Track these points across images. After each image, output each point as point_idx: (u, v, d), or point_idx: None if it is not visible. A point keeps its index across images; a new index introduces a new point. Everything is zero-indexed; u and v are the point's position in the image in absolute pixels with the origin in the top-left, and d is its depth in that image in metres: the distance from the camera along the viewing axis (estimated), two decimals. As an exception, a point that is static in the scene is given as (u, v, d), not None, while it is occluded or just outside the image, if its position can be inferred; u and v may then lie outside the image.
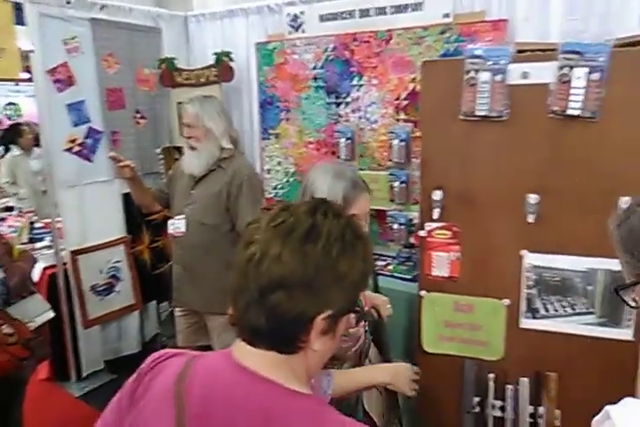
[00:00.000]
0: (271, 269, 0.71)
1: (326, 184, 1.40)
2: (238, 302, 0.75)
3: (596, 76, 1.45)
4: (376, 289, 2.19)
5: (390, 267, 2.69)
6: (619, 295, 0.83)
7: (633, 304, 0.82)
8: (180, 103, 3.31)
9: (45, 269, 3.08)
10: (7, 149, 5.11)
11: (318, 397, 0.79)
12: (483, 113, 1.58)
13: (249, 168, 2.40)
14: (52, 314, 2.07)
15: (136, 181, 2.49)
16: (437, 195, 1.69)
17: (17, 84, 6.59)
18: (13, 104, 7.18)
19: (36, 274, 2.98)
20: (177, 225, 2.38)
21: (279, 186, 3.28)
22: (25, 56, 2.72)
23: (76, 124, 2.96)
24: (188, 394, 0.74)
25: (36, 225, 3.63)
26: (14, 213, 3.97)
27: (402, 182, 2.56)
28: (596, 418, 0.76)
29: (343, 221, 0.77)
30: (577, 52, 1.46)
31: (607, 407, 0.74)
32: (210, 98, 2.41)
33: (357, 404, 1.46)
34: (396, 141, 2.54)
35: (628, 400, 0.75)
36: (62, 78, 2.86)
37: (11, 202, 4.52)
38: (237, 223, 2.28)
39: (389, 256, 2.78)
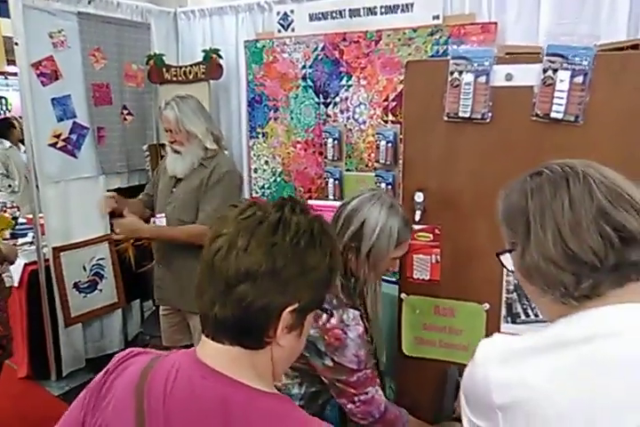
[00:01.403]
0: (238, 261, 0.71)
1: (381, 219, 1.36)
2: (204, 295, 0.74)
3: (579, 79, 1.44)
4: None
5: (375, 269, 2.67)
6: (499, 260, 0.88)
7: (510, 268, 0.86)
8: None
9: (27, 265, 3.05)
10: (-3, 143, 5.06)
11: (282, 395, 0.78)
12: (466, 115, 1.56)
13: (229, 165, 2.37)
14: None
15: (122, 206, 2.45)
16: (419, 196, 1.67)
17: (6, 78, 6.54)
18: (2, 98, 7.12)
19: (18, 270, 2.96)
20: (157, 224, 2.37)
21: (266, 185, 3.26)
22: (12, 50, 2.68)
23: (60, 119, 2.93)
24: (148, 391, 0.75)
25: (20, 221, 3.59)
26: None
27: (388, 184, 2.54)
28: None
29: (310, 216, 0.77)
30: (561, 55, 1.45)
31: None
32: (186, 98, 2.34)
33: None
34: (382, 143, 2.52)
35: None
36: (47, 72, 2.83)
37: (2, 196, 4.48)
38: (197, 214, 2.25)
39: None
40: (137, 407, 0.74)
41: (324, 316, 0.89)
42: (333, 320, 1.27)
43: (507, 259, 0.87)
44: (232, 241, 0.72)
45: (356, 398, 1.35)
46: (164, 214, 2.35)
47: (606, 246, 0.72)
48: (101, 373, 0.84)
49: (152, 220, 2.41)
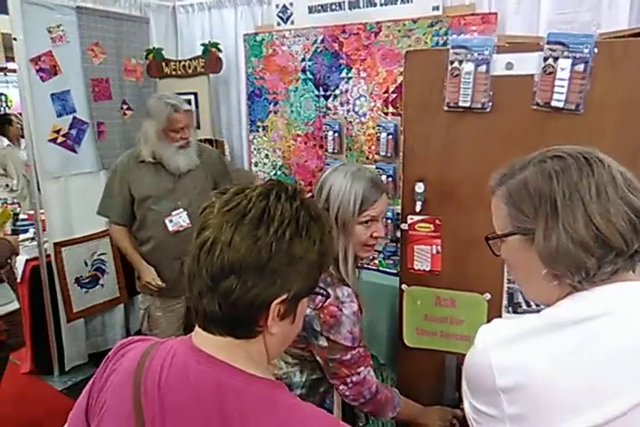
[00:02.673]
0: (222, 256, 0.70)
1: (344, 184, 1.34)
2: (193, 288, 0.74)
3: (580, 67, 1.43)
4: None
5: (376, 261, 2.67)
6: (488, 244, 0.88)
7: (498, 253, 0.87)
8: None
9: (29, 261, 3.05)
10: (-5, 141, 5.05)
11: (275, 381, 0.78)
12: (466, 104, 1.55)
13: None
14: (16, 305, 2.04)
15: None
16: (419, 187, 1.67)
17: (6, 75, 6.53)
18: (2, 95, 7.11)
19: (19, 266, 2.96)
20: (177, 220, 2.40)
21: (266, 179, 3.25)
22: (10, 47, 2.68)
23: (60, 115, 2.92)
24: (145, 376, 0.75)
25: (21, 217, 3.59)
26: (-1, 204, 3.91)
27: (389, 176, 2.54)
28: None
29: (297, 203, 0.75)
30: (561, 43, 1.44)
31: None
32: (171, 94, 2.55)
33: None
34: (383, 135, 2.51)
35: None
36: (46, 67, 2.82)
37: (1, 193, 4.47)
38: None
39: (375, 250, 2.76)
40: (134, 392, 0.75)
41: (319, 297, 0.87)
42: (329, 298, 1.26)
43: (498, 243, 0.86)
44: (216, 235, 0.71)
45: (348, 380, 1.35)
46: (181, 210, 2.40)
47: (632, 232, 0.73)
48: (103, 360, 0.85)
49: (166, 220, 2.41)
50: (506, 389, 0.73)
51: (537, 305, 1.62)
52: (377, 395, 1.39)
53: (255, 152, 3.29)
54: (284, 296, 0.72)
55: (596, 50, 1.42)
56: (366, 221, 1.37)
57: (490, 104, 1.55)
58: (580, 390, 0.69)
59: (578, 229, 0.74)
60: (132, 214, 2.50)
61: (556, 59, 1.45)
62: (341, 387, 1.37)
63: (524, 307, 1.63)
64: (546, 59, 1.47)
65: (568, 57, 1.44)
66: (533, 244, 0.78)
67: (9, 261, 2.08)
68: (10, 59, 2.74)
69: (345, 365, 1.34)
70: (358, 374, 1.35)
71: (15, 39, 2.69)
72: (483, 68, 1.53)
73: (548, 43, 1.46)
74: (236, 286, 0.70)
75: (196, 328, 0.78)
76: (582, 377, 0.69)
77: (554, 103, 1.48)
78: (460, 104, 1.57)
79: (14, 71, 2.85)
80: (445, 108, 1.60)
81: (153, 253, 2.49)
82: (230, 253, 0.70)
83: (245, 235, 0.70)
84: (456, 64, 1.56)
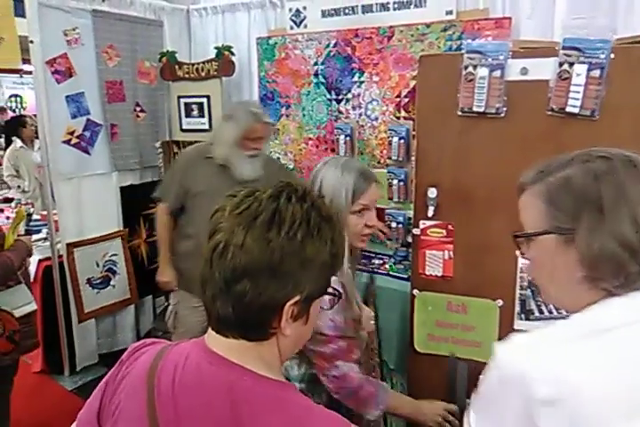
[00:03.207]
0: (235, 259, 0.70)
1: (335, 176, 1.39)
2: (206, 291, 0.74)
3: (596, 73, 1.42)
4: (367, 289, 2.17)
5: (387, 266, 2.66)
6: (516, 242, 0.84)
7: (523, 253, 0.84)
8: (180, 97, 3.31)
9: (41, 261, 3.08)
10: (9, 142, 5.11)
11: (287, 382, 0.78)
12: (480, 109, 1.55)
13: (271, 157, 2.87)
14: (34, 307, 2.05)
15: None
16: (432, 192, 1.66)
17: (21, 77, 6.61)
18: (17, 96, 7.20)
19: (32, 266, 2.99)
20: None
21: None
22: (26, 49, 2.71)
23: (74, 117, 2.95)
24: (159, 377, 0.76)
25: (34, 217, 3.63)
26: (13, 204, 3.96)
27: (400, 181, 2.53)
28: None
29: (307, 204, 0.75)
30: (577, 49, 1.43)
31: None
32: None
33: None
34: (395, 139, 2.50)
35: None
36: (62, 70, 2.85)
37: (14, 194, 4.52)
38: None
39: (386, 255, 2.75)
40: (148, 394, 0.75)
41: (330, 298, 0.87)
42: None
43: (524, 242, 0.82)
44: (228, 238, 0.71)
45: (328, 373, 1.34)
46: None
47: None
48: (117, 364, 0.85)
49: None
50: (546, 401, 0.68)
51: (550, 312, 1.60)
52: (359, 392, 1.37)
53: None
54: (297, 298, 0.72)
55: (612, 55, 1.41)
56: (359, 211, 1.40)
57: (504, 109, 1.54)
58: (624, 398, 0.67)
59: (624, 233, 0.72)
60: (181, 206, 2.51)
61: (571, 64, 1.45)
62: (322, 378, 1.36)
63: (537, 314, 1.62)
64: (561, 64, 1.46)
65: (584, 62, 1.43)
66: (570, 245, 0.75)
67: (24, 262, 2.10)
68: (26, 61, 2.76)
69: (323, 357, 1.33)
70: (337, 367, 1.34)
71: (32, 42, 2.72)
72: (497, 73, 1.53)
73: (564, 48, 1.45)
74: (249, 289, 0.70)
75: (209, 331, 0.78)
76: (625, 386, 0.67)
77: (569, 109, 1.47)
78: (474, 109, 1.57)
79: (30, 73, 2.88)
80: (459, 113, 1.60)
81: (193, 250, 2.46)
82: (243, 256, 0.70)
83: (257, 237, 0.70)
84: (470, 69, 1.56)
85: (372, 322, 1.75)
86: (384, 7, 2.71)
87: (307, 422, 0.72)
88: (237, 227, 0.71)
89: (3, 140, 5.35)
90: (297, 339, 0.80)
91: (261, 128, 2.42)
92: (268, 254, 0.70)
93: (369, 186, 1.41)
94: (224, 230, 0.72)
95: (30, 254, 2.21)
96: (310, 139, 3.07)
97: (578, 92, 1.45)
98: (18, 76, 6.56)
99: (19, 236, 2.31)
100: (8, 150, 5.02)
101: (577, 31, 1.45)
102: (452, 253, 1.69)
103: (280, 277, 0.71)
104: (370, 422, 1.45)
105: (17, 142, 4.94)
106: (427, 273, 1.74)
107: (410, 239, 2.55)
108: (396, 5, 2.67)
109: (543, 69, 1.49)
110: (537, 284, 0.86)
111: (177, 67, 3.25)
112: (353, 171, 1.40)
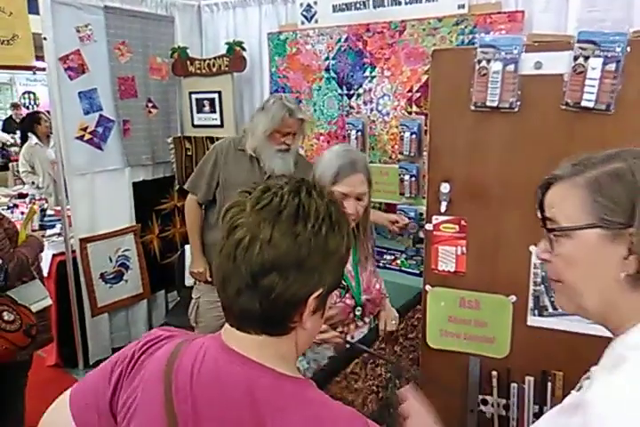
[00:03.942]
0: (263, 253, 0.70)
1: (328, 158, 1.47)
2: (228, 288, 0.74)
3: (611, 66, 1.40)
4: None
5: (398, 261, 2.66)
6: (548, 238, 0.78)
7: (551, 250, 0.78)
8: (192, 93, 3.32)
9: (55, 256, 3.11)
10: (25, 138, 5.16)
11: (304, 379, 0.79)
12: (493, 104, 1.53)
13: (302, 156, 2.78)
14: (49, 302, 2.08)
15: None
16: (445, 187, 1.65)
17: (34, 73, 6.67)
18: (31, 93, 7.26)
19: (46, 261, 3.02)
20: None
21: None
22: (40, 46, 2.73)
23: (87, 113, 2.97)
24: (176, 373, 0.76)
25: (48, 213, 3.66)
26: (27, 199, 4.00)
27: (412, 176, 2.53)
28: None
29: (327, 199, 0.76)
30: (593, 42, 1.41)
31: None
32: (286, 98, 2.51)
33: None
34: (406, 134, 2.50)
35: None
36: (74, 66, 2.87)
37: (28, 189, 4.57)
38: None
39: (398, 250, 2.75)
40: (165, 388, 0.75)
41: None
42: None
43: (552, 238, 0.77)
44: (253, 233, 0.71)
45: None
46: None
47: None
48: (129, 352, 0.84)
49: None
50: None
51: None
52: None
53: (278, 151, 3.29)
54: (320, 291, 0.73)
55: (628, 48, 1.39)
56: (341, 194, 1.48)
57: (518, 104, 1.52)
58: None
59: None
60: (212, 197, 2.52)
61: (586, 58, 1.43)
62: None
63: (551, 310, 1.61)
64: (576, 58, 1.44)
65: (599, 56, 1.41)
66: (615, 240, 0.71)
67: (37, 257, 2.12)
68: (39, 58, 2.79)
69: None
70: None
71: (45, 39, 2.74)
72: (511, 67, 1.51)
73: (579, 41, 1.43)
74: (277, 283, 0.70)
75: (226, 326, 0.79)
76: None
77: (584, 103, 1.45)
78: (488, 104, 1.55)
79: (43, 70, 2.90)
80: (472, 108, 1.58)
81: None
82: (271, 251, 0.70)
83: (284, 231, 0.70)
84: (484, 63, 1.54)
85: (394, 322, 1.76)
86: (395, 1, 2.69)
87: (326, 418, 0.72)
88: (263, 221, 0.71)
89: (18, 136, 5.39)
90: (313, 331, 0.81)
91: (294, 123, 2.40)
92: (295, 249, 0.70)
93: (352, 174, 1.47)
94: (246, 226, 0.72)
95: (42, 250, 2.24)
96: (321, 134, 3.07)
97: (593, 86, 1.43)
98: (31, 73, 6.62)
99: (32, 231, 2.34)
100: (24, 147, 5.07)
101: (591, 24, 1.43)
102: (464, 248, 1.68)
103: (306, 271, 0.72)
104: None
105: (32, 139, 4.99)
106: (439, 269, 1.73)
107: (422, 235, 2.55)
108: (407, 0, 2.66)
109: (558, 63, 1.47)
110: (565, 283, 0.78)
111: (188, 62, 3.27)
112: (344, 158, 1.47)
